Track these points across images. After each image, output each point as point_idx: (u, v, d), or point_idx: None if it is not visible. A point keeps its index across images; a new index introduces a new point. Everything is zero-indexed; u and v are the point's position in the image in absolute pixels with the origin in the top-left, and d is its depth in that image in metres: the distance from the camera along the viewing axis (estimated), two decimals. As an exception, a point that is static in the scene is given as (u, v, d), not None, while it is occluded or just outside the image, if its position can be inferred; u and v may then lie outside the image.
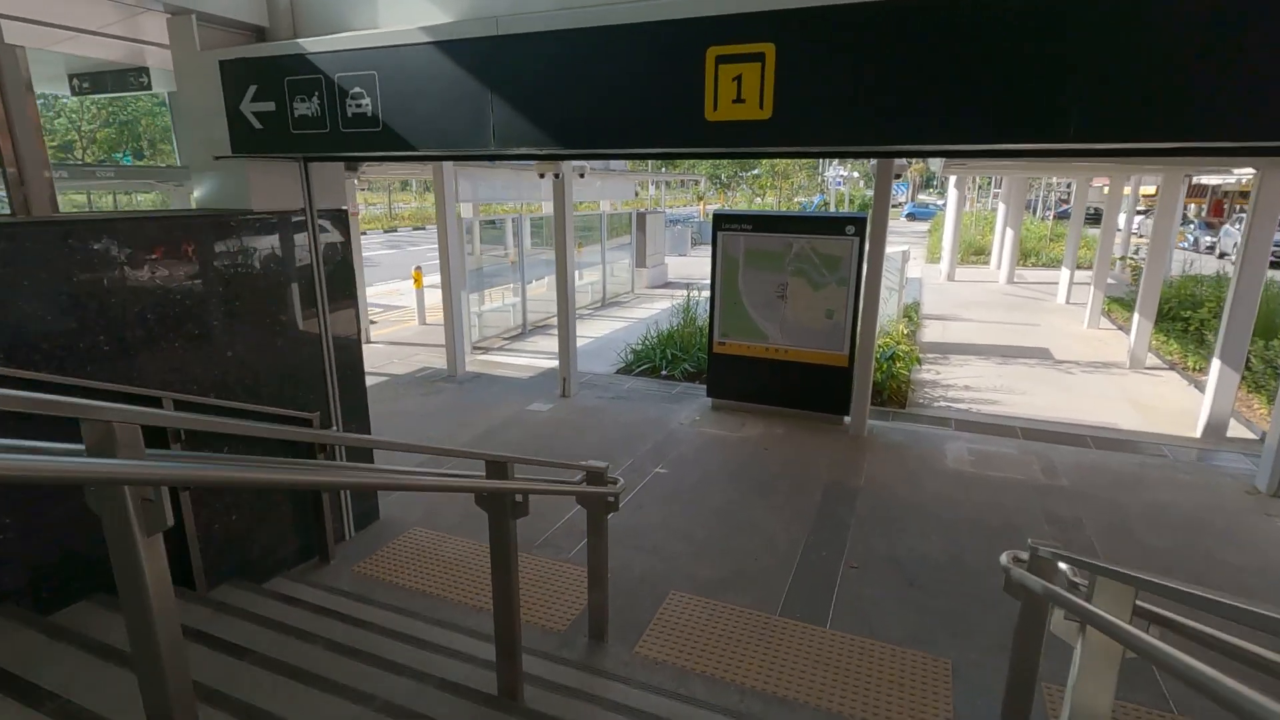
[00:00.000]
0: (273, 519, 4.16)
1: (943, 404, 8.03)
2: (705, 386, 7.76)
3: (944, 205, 34.19)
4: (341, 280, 4.53)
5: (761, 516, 5.17)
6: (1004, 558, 2.81)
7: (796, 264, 6.99)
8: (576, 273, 14.62)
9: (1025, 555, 2.71)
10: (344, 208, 4.51)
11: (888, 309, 10.03)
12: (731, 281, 7.29)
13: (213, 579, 3.72)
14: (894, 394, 8.05)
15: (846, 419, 7.09)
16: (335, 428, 4.57)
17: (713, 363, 7.61)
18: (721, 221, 7.22)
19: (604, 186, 15.61)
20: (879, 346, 8.59)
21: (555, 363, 9.43)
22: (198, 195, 4.02)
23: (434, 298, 10.36)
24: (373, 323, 12.37)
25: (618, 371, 9.20)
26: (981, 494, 5.59)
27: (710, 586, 4.27)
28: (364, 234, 35.24)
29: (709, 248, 7.46)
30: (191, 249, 3.50)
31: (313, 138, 3.46)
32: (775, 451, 6.44)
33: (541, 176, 7.31)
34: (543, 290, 13.67)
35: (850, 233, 6.72)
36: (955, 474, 5.96)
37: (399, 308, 13.85)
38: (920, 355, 9.76)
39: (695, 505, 5.35)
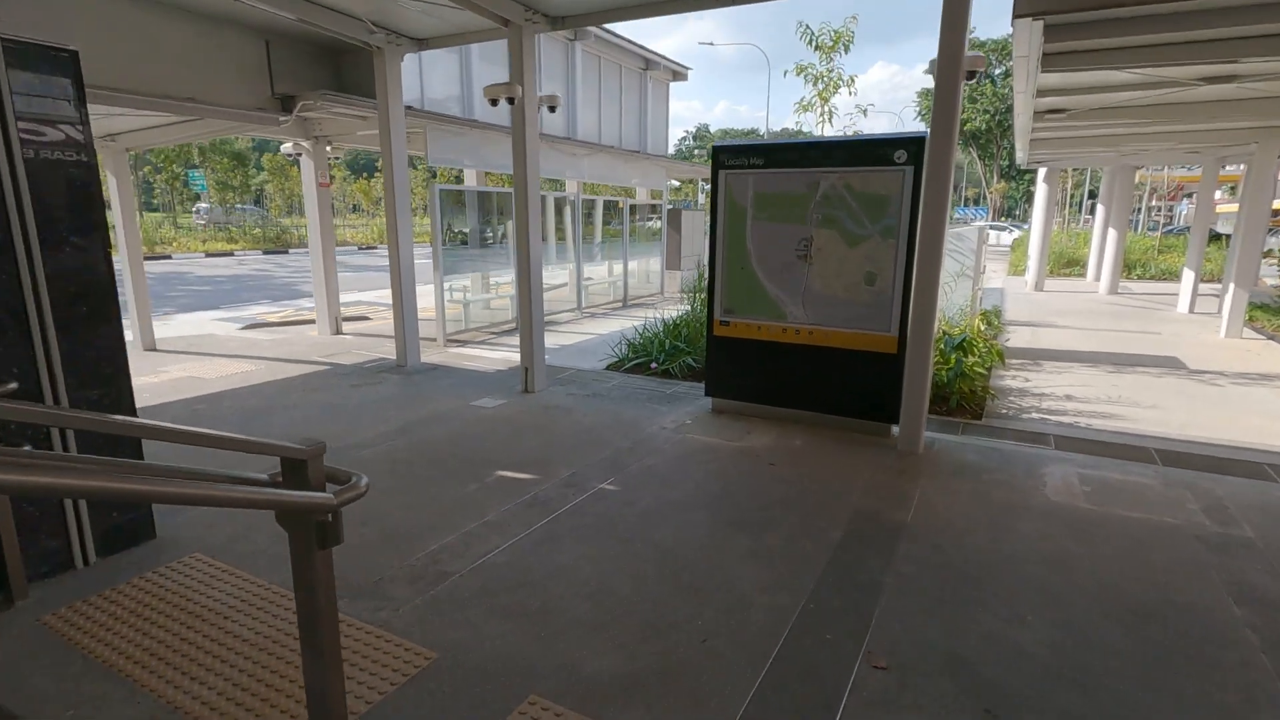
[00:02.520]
0: (-116, 530, 2.52)
1: (1036, 416, 5.81)
2: (705, 384, 5.83)
3: (1027, 226, 31.04)
4: (64, 173, 2.92)
5: (736, 565, 3.20)
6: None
7: (825, 209, 5.03)
8: (607, 267, 13.03)
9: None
10: (71, 48, 2.92)
11: (956, 296, 7.83)
12: (738, 239, 5.39)
13: None
14: (966, 399, 5.89)
15: (894, 429, 5.03)
16: (49, 392, 2.92)
17: (713, 350, 5.69)
18: (723, 157, 5.35)
19: (629, 169, 13.98)
20: (943, 334, 6.47)
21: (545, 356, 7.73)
22: None
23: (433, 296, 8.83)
24: (365, 319, 11.02)
25: (608, 367, 7.37)
26: (1111, 546, 3.43)
27: (603, 689, 2.34)
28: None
29: (710, 197, 5.58)
30: None
31: None
32: (785, 469, 4.44)
33: (494, 104, 5.65)
34: (559, 283, 12.04)
35: (900, 161, 4.73)
36: (1064, 512, 3.82)
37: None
38: (1003, 354, 7.51)
39: (636, 541, 3.42)
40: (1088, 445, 4.97)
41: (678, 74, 17.59)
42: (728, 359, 5.61)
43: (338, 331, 9.48)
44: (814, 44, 7.69)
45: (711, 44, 34.63)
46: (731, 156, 5.31)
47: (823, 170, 4.99)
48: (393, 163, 6.83)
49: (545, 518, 3.66)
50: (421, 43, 6.66)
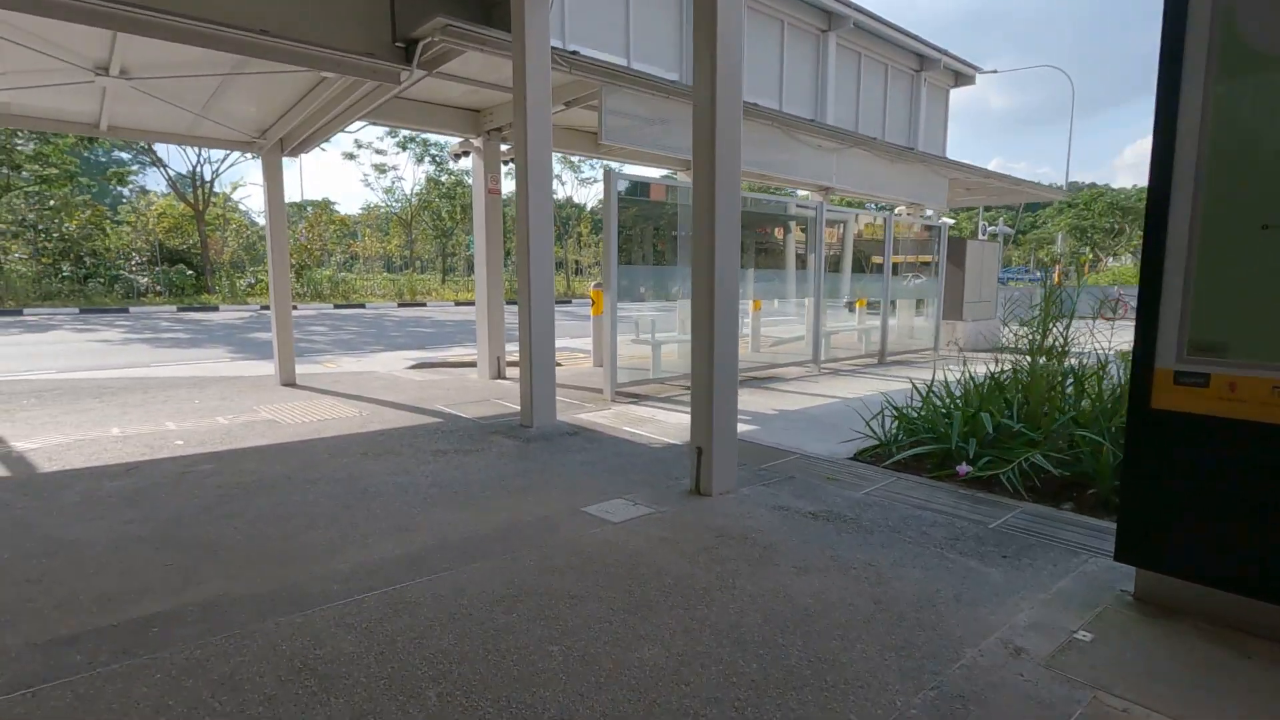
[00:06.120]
0: None
1: None
2: (1116, 527, 2.35)
3: None
4: None
5: None
6: None
7: None
8: (856, 313, 9.79)
9: None
10: None
11: None
12: (1244, 153, 1.95)
13: None
14: None
15: None
16: None
17: (1148, 446, 2.20)
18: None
19: (895, 175, 10.46)
20: None
21: (750, 427, 4.82)
22: None
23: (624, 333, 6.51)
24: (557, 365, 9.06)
25: (859, 454, 4.11)
26: None
27: None
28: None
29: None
30: None
31: None
32: None
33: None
34: (794, 335, 9.02)
35: None
36: None
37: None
38: None
39: None
40: None
41: (961, 76, 13.82)
42: (1201, 471, 2.09)
43: (499, 375, 7.48)
44: None
45: (995, 71, 28.99)
46: (1245, -79, 1.94)
47: None
48: (527, 128, 4.53)
49: None
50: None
